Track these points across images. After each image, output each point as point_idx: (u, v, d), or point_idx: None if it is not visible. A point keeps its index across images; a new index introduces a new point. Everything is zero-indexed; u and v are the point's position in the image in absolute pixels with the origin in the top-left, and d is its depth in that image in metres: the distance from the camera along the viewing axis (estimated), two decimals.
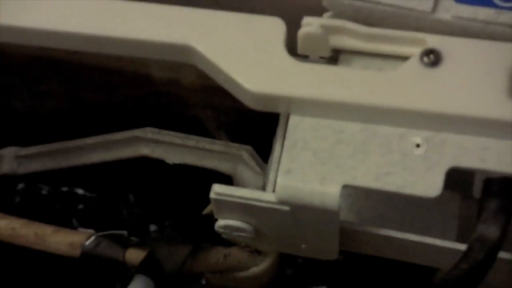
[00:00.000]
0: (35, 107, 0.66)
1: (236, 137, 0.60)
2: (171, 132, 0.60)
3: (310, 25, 0.47)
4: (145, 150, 0.60)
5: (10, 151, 0.64)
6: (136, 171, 0.63)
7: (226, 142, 0.59)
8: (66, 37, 0.50)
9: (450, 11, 0.47)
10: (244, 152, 0.58)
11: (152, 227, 0.69)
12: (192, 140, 0.59)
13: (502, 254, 0.47)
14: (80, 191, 0.71)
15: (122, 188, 0.72)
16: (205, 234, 0.52)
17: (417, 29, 0.48)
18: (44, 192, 0.72)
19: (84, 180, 0.71)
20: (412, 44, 0.47)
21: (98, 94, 0.63)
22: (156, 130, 0.60)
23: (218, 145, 0.59)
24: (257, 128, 0.52)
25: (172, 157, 0.60)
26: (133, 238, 0.52)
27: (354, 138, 0.47)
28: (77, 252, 0.51)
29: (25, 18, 0.51)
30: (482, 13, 0.46)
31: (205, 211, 0.52)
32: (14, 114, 0.67)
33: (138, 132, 0.60)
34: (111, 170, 0.63)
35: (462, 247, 0.47)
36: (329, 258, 0.53)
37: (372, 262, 0.54)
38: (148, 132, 0.60)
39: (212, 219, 0.51)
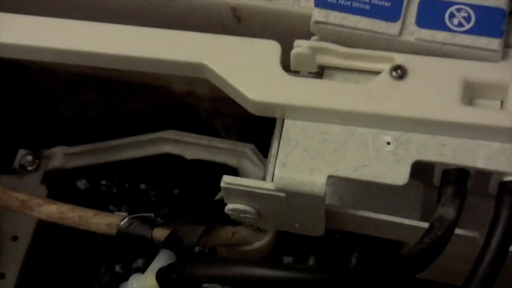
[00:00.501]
0: (80, 113, 0.65)
1: (241, 137, 0.60)
2: (188, 134, 0.60)
3: (300, 46, 0.48)
4: (168, 148, 0.60)
5: (59, 150, 0.65)
6: (161, 166, 0.63)
7: (233, 141, 0.59)
8: (105, 57, 0.50)
9: (413, 34, 0.47)
10: (248, 149, 0.58)
11: (175, 210, 0.69)
12: (205, 140, 0.60)
13: (458, 231, 0.47)
14: (116, 181, 0.72)
15: (151, 179, 0.72)
16: (217, 216, 0.53)
17: (387, 49, 0.48)
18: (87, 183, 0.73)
19: (119, 172, 0.72)
20: (383, 61, 0.48)
21: (129, 104, 0.63)
22: (177, 132, 0.60)
23: (226, 144, 0.59)
24: (258, 130, 0.52)
25: (190, 154, 0.60)
26: (159, 219, 0.51)
27: (336, 138, 0.47)
28: (113, 231, 0.51)
29: (76, 42, 0.50)
30: (440, 35, 0.47)
31: (217, 197, 0.52)
32: (62, 120, 0.66)
33: (162, 134, 0.60)
34: (140, 165, 0.63)
35: (425, 225, 0.47)
36: (317, 234, 0.53)
37: (352, 237, 0.54)
38: (171, 134, 0.60)
39: (222, 203, 0.51)
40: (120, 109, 0.64)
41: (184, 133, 0.60)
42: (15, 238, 0.64)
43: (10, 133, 0.67)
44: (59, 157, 0.64)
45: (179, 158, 0.61)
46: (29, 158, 0.65)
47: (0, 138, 0.68)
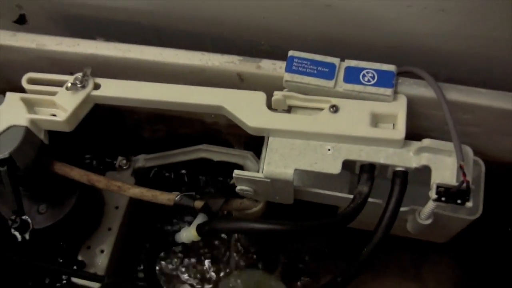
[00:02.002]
0: (153, 136, 0.64)
1: (245, 147, 0.59)
2: (215, 146, 0.59)
3: (277, 95, 0.47)
4: (203, 154, 0.59)
5: (141, 156, 0.64)
6: (199, 165, 0.62)
7: (240, 150, 0.59)
8: (165, 103, 0.49)
9: (342, 87, 0.47)
10: (249, 154, 0.57)
11: (207, 190, 0.69)
12: (224, 149, 0.59)
13: (370, 199, 0.47)
14: (173, 174, 0.72)
15: (194, 172, 0.71)
16: (231, 193, 0.51)
17: (327, 95, 0.47)
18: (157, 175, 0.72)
19: (175, 168, 0.71)
20: (325, 103, 0.47)
21: (180, 129, 0.62)
22: (208, 145, 0.59)
23: (237, 152, 0.59)
24: (254, 143, 0.52)
25: (216, 157, 0.59)
26: (197, 196, 0.51)
27: (299, 147, 0.47)
28: (171, 203, 0.50)
29: (147, 94, 0.49)
30: (357, 87, 0.46)
31: (231, 182, 0.51)
32: (143, 139, 0.66)
33: (199, 146, 0.60)
34: (188, 164, 0.62)
35: (350, 197, 0.47)
36: (289, 203, 0.52)
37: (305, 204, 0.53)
38: (204, 146, 0.59)
39: (234, 186, 0.50)
40: (175, 133, 0.62)
41: (212, 146, 0.60)
42: (116, 207, 0.63)
43: (112, 147, 0.67)
44: (141, 160, 0.64)
45: (209, 161, 0.60)
46: (124, 161, 0.64)
47: (107, 150, 0.68)
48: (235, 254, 0.68)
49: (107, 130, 0.63)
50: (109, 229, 0.62)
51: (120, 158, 0.64)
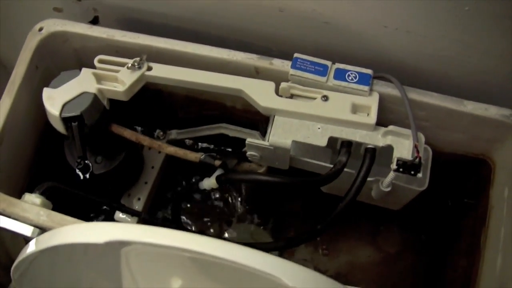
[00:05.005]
0: (185, 115, 0.63)
1: (254, 128, 0.58)
2: (232, 125, 0.59)
3: (283, 85, 0.48)
4: (222, 131, 0.59)
5: (175, 131, 0.63)
6: (219, 139, 0.61)
7: (251, 130, 0.58)
8: (200, 84, 0.49)
9: (332, 82, 0.47)
10: (257, 133, 0.56)
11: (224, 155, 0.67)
12: (238, 128, 0.58)
13: (346, 169, 0.47)
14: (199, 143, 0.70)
15: (215, 143, 0.69)
16: (243, 157, 0.51)
17: (321, 88, 0.48)
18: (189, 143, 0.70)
19: (202, 140, 0.69)
20: (318, 93, 0.48)
21: (206, 111, 0.61)
22: (227, 124, 0.59)
23: (247, 130, 0.57)
24: (264, 122, 0.51)
25: (231, 134, 0.58)
26: (218, 156, 0.51)
27: (296, 124, 0.47)
28: (197, 160, 0.50)
29: (185, 75, 0.49)
30: (343, 83, 0.47)
31: (244, 149, 0.51)
32: (178, 118, 0.64)
33: (220, 124, 0.59)
34: (210, 137, 0.61)
35: (331, 165, 0.48)
36: (285, 168, 0.51)
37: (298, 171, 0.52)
38: (223, 125, 0.59)
39: (245, 153, 0.50)
40: (203, 114, 0.62)
41: (229, 124, 0.59)
42: (152, 167, 0.63)
43: (153, 122, 0.66)
44: (174, 133, 0.63)
45: (226, 136, 0.59)
46: (161, 133, 0.64)
47: (149, 124, 0.67)
48: (239, 209, 0.69)
49: (150, 109, 0.64)
50: (146, 183, 0.63)
51: (158, 130, 0.65)
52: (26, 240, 0.47)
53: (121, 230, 0.25)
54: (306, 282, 0.26)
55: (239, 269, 0.25)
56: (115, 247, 0.29)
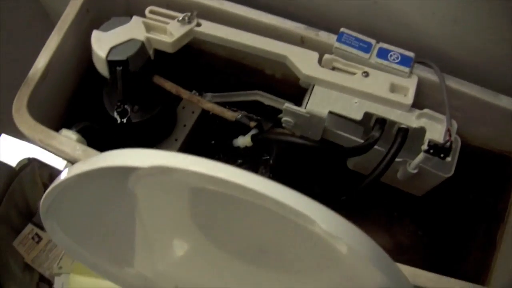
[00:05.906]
0: (222, 80, 0.64)
1: (289, 99, 0.56)
2: (268, 94, 0.59)
3: (327, 56, 0.49)
4: (258, 98, 0.59)
5: (210, 94, 0.63)
6: (254, 105, 0.61)
7: (285, 100, 0.56)
8: (243, 45, 0.50)
9: (374, 60, 0.49)
10: (289, 103, 0.55)
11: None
12: (274, 97, 0.59)
13: (376, 147, 0.48)
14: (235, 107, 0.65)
15: (250, 109, 0.64)
16: (279, 123, 0.51)
17: (362, 64, 0.49)
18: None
19: (238, 105, 0.65)
20: (359, 69, 0.49)
21: (245, 78, 0.61)
22: (262, 92, 0.59)
23: (282, 100, 0.56)
24: (301, 91, 0.52)
25: (266, 102, 0.59)
26: (253, 116, 0.52)
27: (335, 96, 0.48)
28: (234, 119, 0.52)
29: (233, 36, 0.50)
30: (385, 62, 0.48)
31: (279, 116, 0.51)
32: (214, 82, 0.64)
33: (256, 92, 0.60)
34: (246, 104, 0.61)
35: (362, 141, 0.49)
36: (316, 139, 0.51)
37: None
38: (260, 92, 0.59)
39: (280, 119, 0.50)
40: (242, 80, 0.62)
41: (266, 93, 0.59)
42: (184, 125, 0.64)
43: (191, 83, 0.65)
44: (209, 96, 0.63)
45: (261, 104, 0.59)
46: (197, 94, 0.63)
47: (187, 84, 0.67)
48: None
49: (191, 70, 0.64)
50: (176, 140, 0.64)
51: (194, 91, 0.65)
52: (45, 186, 0.47)
53: (166, 156, 0.26)
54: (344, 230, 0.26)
55: (258, 207, 0.25)
56: (156, 176, 0.28)
